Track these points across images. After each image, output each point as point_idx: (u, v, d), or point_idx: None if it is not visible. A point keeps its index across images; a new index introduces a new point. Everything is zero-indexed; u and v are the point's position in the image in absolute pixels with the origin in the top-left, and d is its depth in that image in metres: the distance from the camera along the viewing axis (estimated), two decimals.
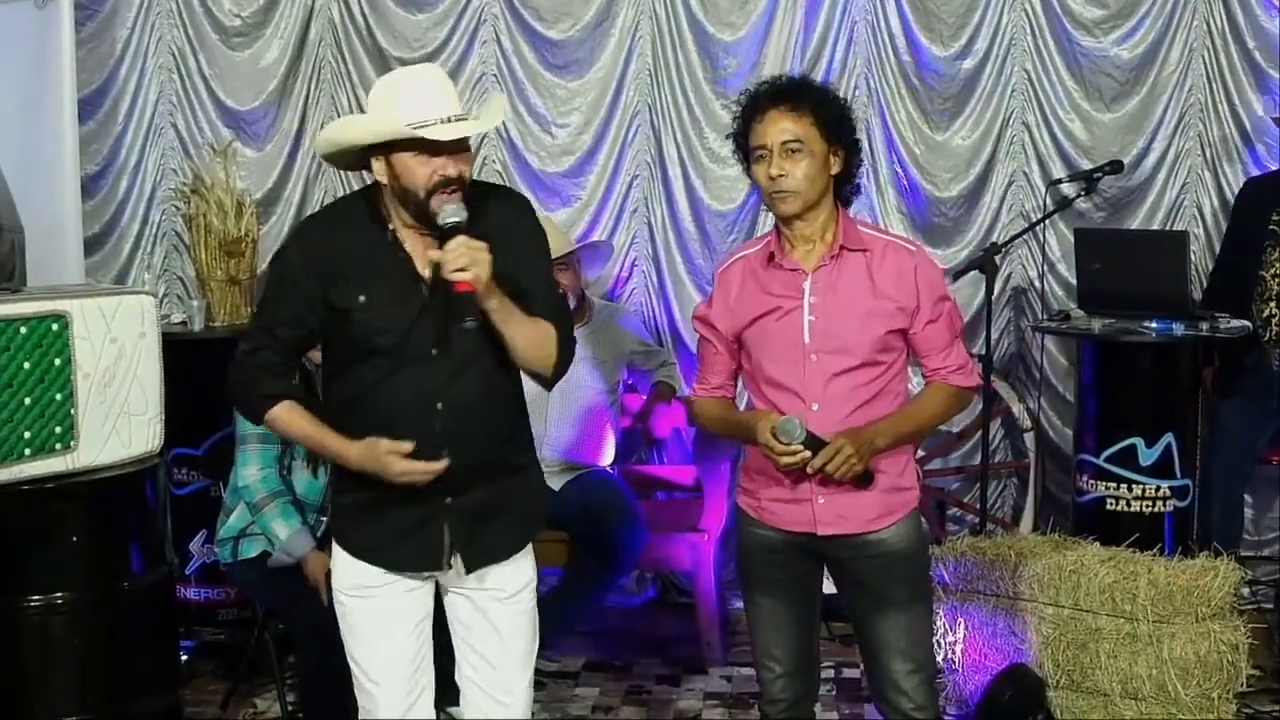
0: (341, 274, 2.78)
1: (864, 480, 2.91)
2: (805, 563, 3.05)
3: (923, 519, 3.13)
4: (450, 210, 2.69)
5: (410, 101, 2.69)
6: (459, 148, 2.72)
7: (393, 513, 2.83)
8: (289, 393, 2.85)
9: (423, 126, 2.66)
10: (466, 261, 2.63)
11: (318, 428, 2.82)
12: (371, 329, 2.77)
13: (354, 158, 2.83)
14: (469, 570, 2.89)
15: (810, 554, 3.03)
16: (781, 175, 2.88)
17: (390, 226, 2.80)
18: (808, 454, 2.83)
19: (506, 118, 5.29)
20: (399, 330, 2.77)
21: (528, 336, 2.80)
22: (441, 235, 2.69)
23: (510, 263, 2.77)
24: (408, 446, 2.72)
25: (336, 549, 2.93)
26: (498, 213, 2.84)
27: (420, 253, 2.79)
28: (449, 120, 2.69)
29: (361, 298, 2.76)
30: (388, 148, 2.71)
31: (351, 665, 2.96)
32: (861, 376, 2.91)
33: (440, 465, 2.74)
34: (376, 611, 2.90)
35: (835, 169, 2.94)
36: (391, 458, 2.71)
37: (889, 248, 2.96)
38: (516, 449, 2.97)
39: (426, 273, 2.78)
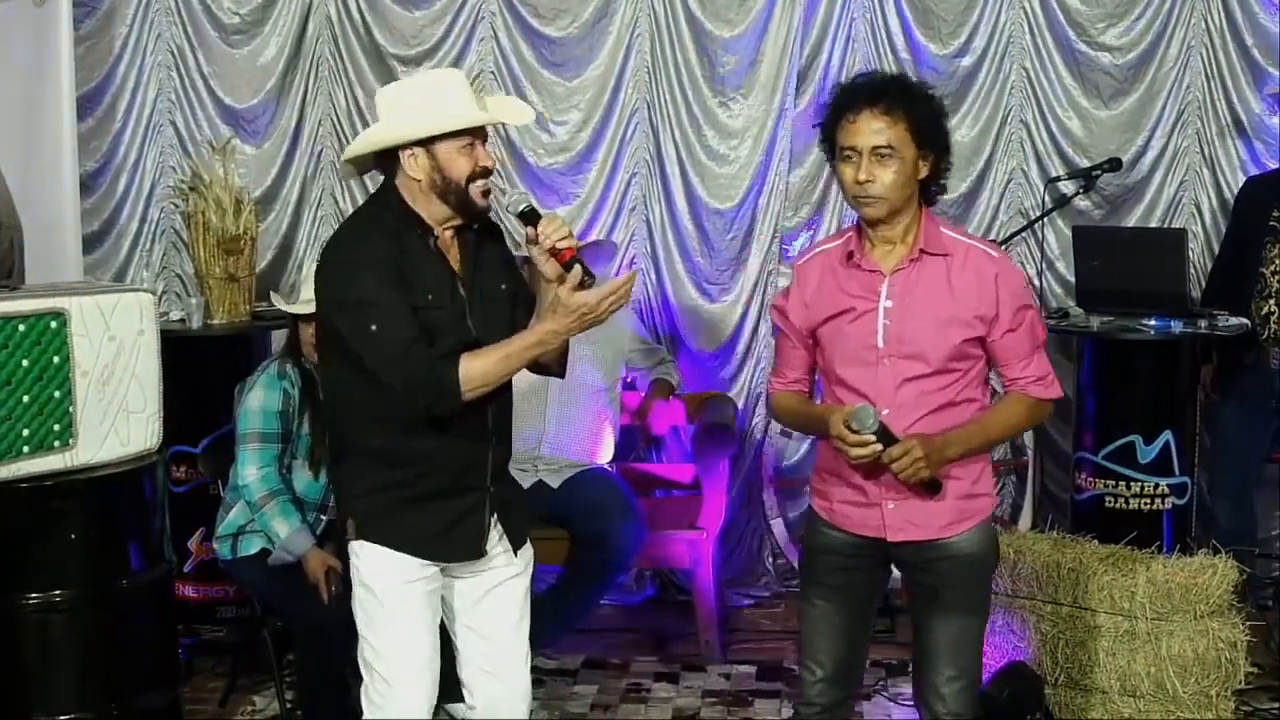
0: (406, 276, 2.84)
1: (931, 489, 2.86)
2: (871, 568, 3.02)
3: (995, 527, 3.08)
4: (517, 199, 2.88)
5: (460, 98, 2.86)
6: (483, 141, 2.89)
7: (441, 504, 2.92)
8: (454, 348, 2.80)
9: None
10: (567, 230, 2.80)
11: (502, 345, 2.82)
12: (436, 328, 2.83)
13: (369, 160, 2.95)
14: (517, 550, 3.04)
15: (878, 558, 3.00)
16: (869, 181, 2.80)
17: (434, 232, 2.89)
18: (878, 447, 2.79)
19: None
20: (454, 328, 2.86)
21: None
22: (523, 220, 2.84)
23: (505, 269, 3.01)
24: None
25: (365, 546, 2.94)
26: (484, 223, 3.01)
27: (449, 250, 2.92)
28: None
29: (430, 296, 2.85)
30: (426, 141, 2.83)
31: (374, 661, 2.96)
32: (934, 383, 2.86)
33: None
34: (412, 603, 2.94)
35: (923, 173, 2.86)
36: (580, 296, 2.77)
37: (970, 253, 2.89)
38: None
39: (459, 269, 2.92)
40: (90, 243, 5.26)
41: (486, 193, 2.88)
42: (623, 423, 4.97)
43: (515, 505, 3.09)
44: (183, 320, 4.87)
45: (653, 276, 5.43)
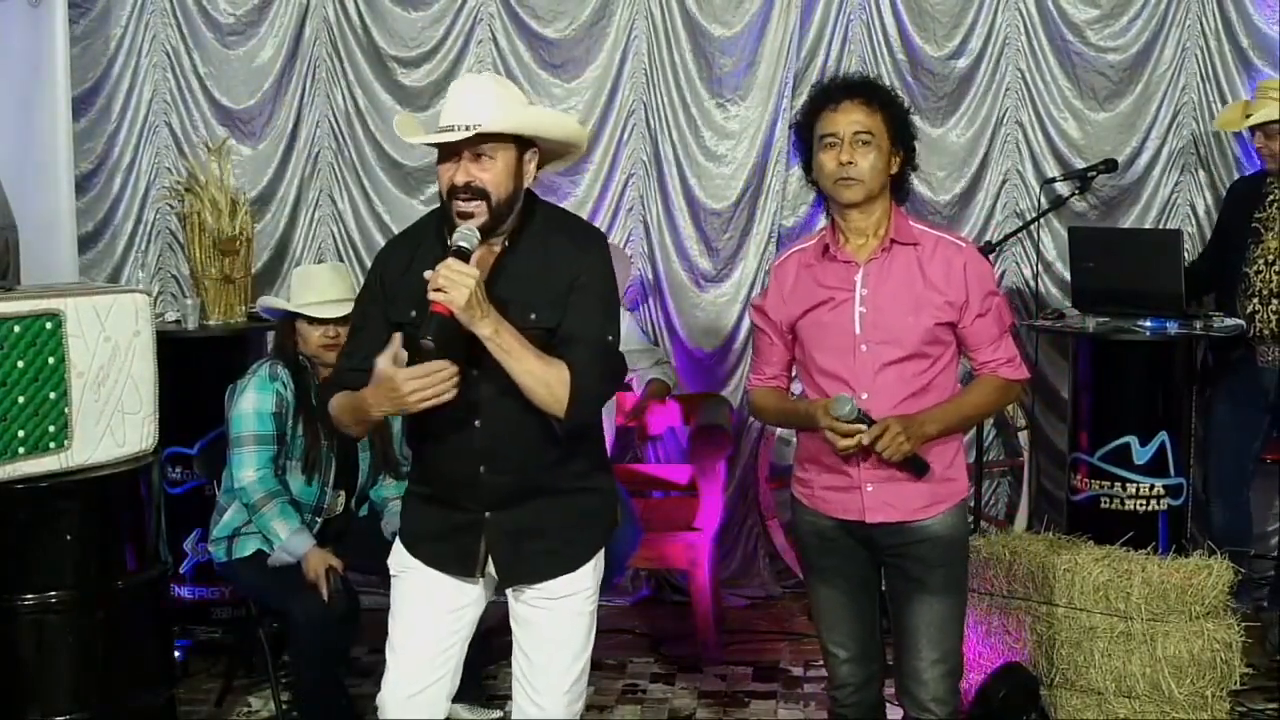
0: (401, 289, 2.81)
1: (918, 469, 2.96)
2: (859, 550, 3.09)
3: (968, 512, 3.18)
4: (461, 234, 2.69)
5: (452, 110, 2.73)
6: (472, 155, 2.71)
7: (438, 512, 2.90)
8: (353, 381, 2.81)
9: (443, 131, 2.71)
10: (444, 283, 2.60)
11: (351, 393, 2.80)
12: (417, 344, 2.74)
13: None
14: (503, 585, 2.92)
15: (861, 541, 3.07)
16: (850, 163, 2.98)
17: (449, 243, 2.78)
18: (862, 427, 2.90)
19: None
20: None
21: (533, 374, 2.70)
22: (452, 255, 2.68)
23: (551, 299, 2.76)
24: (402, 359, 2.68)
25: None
26: (561, 248, 2.82)
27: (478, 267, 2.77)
28: (466, 128, 2.69)
29: (413, 313, 2.75)
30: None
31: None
32: (911, 368, 2.98)
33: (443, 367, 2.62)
34: (415, 585, 2.93)
35: (894, 168, 3.05)
36: (390, 369, 2.65)
37: (939, 243, 3.04)
38: (570, 474, 2.90)
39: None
40: (85, 243, 5.26)
41: (462, 214, 2.70)
42: (619, 423, 4.97)
43: (533, 542, 2.87)
44: (178, 321, 4.86)
45: (650, 276, 5.44)
